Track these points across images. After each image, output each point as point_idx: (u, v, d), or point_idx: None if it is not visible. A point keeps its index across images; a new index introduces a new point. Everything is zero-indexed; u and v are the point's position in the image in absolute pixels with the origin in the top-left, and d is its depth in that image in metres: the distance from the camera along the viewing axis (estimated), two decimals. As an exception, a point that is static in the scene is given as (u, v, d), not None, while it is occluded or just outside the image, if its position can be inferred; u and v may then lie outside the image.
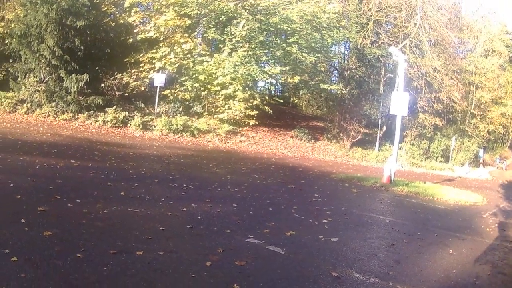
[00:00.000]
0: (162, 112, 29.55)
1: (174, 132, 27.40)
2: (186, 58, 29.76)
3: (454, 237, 11.52)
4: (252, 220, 10.42)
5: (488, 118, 53.98)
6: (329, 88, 35.46)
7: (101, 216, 8.84)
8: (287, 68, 31.07)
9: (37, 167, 13.18)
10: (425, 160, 40.51)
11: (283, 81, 34.58)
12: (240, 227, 9.51)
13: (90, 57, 28.48)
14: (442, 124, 43.30)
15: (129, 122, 27.37)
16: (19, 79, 27.57)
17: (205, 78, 29.53)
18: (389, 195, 17.88)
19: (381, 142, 38.99)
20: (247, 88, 30.29)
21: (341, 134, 34.99)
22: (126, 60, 30.15)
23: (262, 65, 31.40)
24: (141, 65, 29.92)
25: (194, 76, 29.73)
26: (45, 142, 18.83)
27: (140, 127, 27.04)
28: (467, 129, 50.44)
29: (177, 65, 29.60)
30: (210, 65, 29.61)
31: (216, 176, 16.42)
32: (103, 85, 30.01)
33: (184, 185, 13.52)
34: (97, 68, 29.31)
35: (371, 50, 36.78)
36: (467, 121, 51.32)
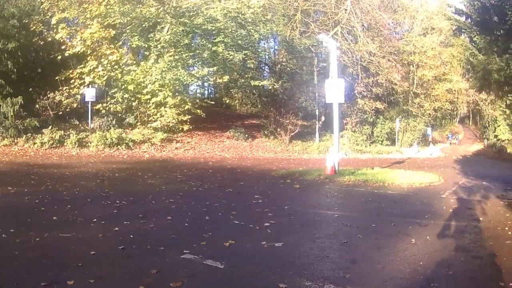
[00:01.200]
0: (97, 127, 31.63)
1: (110, 146, 29.48)
2: (114, 70, 31.91)
3: (414, 224, 11.50)
4: (187, 233, 10.43)
5: (432, 96, 56.98)
6: (260, 84, 37.82)
7: (34, 245, 8.89)
8: (215, 68, 33.34)
9: (-31, 199, 14.07)
10: (369, 145, 43.09)
11: (213, 82, 37.00)
12: (175, 242, 9.45)
13: (23, 78, 30.46)
14: (384, 107, 46.02)
15: (65, 141, 29.12)
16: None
17: (134, 87, 31.75)
18: (335, 187, 18.45)
19: (321, 132, 41.48)
20: (177, 94, 32.55)
21: (279, 129, 37.28)
22: (57, 78, 31.98)
23: (190, 68, 33.80)
24: (71, 81, 31.86)
25: (123, 87, 31.94)
26: (-17, 171, 19.34)
27: (76, 145, 28.99)
28: (411, 109, 53.64)
29: (105, 77, 31.80)
30: (137, 74, 31.68)
31: (151, 188, 17.11)
32: (37, 106, 31.83)
33: (117, 201, 13.76)
34: (30, 89, 31.13)
35: (301, 41, 38.92)
36: (410, 101, 54.45)
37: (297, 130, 37.88)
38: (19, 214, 11.75)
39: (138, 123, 33.24)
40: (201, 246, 9.11)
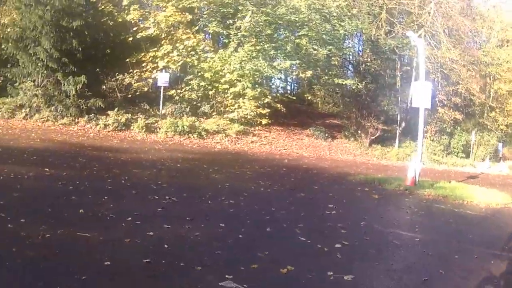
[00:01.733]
0: (168, 114, 26.83)
1: (180, 134, 24.68)
2: (190, 56, 26.95)
3: (496, 259, 8.94)
4: (239, 248, 7.76)
5: (506, 110, 50.58)
6: (344, 83, 32.28)
7: (39, 243, 6.70)
8: (298, 62, 28.12)
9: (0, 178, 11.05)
10: (446, 156, 37.05)
11: (296, 76, 31.29)
12: (218, 261, 6.83)
13: (89, 58, 25.78)
14: (462, 118, 39.83)
15: (132, 125, 24.70)
16: (17, 84, 24.78)
17: (211, 76, 26.80)
18: (415, 201, 15.21)
19: (400, 138, 35.53)
20: (257, 86, 27.48)
21: (359, 132, 32.02)
22: (127, 60, 27.36)
23: (272, 60, 28.32)
24: (143, 64, 27.15)
25: (199, 74, 27.02)
26: (29, 149, 16.52)
27: (143, 130, 24.43)
28: (486, 122, 46.75)
29: (180, 63, 26.83)
30: (215, 61, 26.81)
31: (212, 184, 13.84)
32: (104, 87, 27.32)
33: (167, 197, 10.95)
34: (97, 69, 26.68)
35: (386, 41, 33.41)
36: (486, 114, 47.58)
37: (377, 134, 32.40)
38: (42, 201, 9.36)
39: (214, 113, 28.07)
40: (251, 270, 6.55)
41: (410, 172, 17.42)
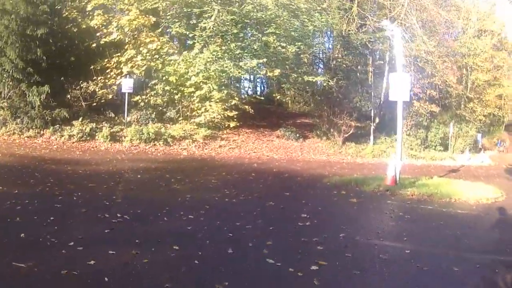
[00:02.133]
0: (134, 121, 25.84)
1: (146, 142, 23.69)
2: (154, 60, 25.88)
3: (500, 265, 8.00)
4: (191, 279, 6.56)
5: (483, 101, 50.12)
6: (314, 80, 31.03)
7: None
8: (265, 60, 27.00)
9: None
10: (423, 150, 36.09)
11: (263, 75, 30.30)
12: None
13: (54, 67, 24.93)
14: (438, 111, 39.00)
15: (97, 134, 23.66)
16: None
17: (176, 79, 25.74)
18: (398, 202, 14.04)
19: (375, 135, 34.42)
20: (223, 87, 26.54)
21: (332, 130, 30.88)
22: (92, 67, 26.28)
23: (237, 60, 27.09)
24: (107, 71, 26.07)
25: (164, 78, 26.00)
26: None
27: (108, 139, 23.47)
28: (464, 113, 46.11)
29: (144, 67, 25.80)
30: (178, 63, 25.73)
31: (172, 197, 12.73)
32: (69, 96, 26.33)
33: (119, 215, 9.84)
34: (62, 78, 25.60)
35: (357, 36, 32.47)
36: (463, 105, 47.11)
37: (351, 131, 31.26)
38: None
39: (180, 118, 27.00)
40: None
41: (390, 170, 16.51)
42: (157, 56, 25.95)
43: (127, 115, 25.62)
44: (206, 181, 15.90)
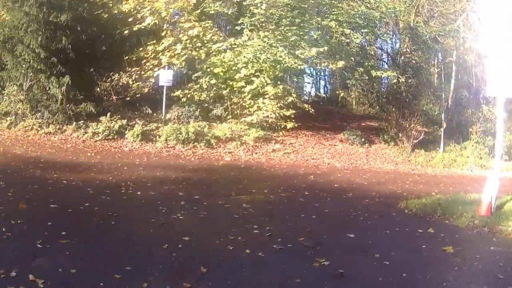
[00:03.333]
0: (174, 118, 19.59)
1: (184, 143, 17.45)
2: (196, 48, 19.54)
3: None
4: None
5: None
6: (382, 76, 23.79)
7: None
8: (325, 49, 19.76)
9: None
10: (491, 160, 28.51)
11: (323, 68, 22.97)
12: None
13: (83, 57, 19.19)
14: (507, 116, 31.18)
15: (126, 132, 17.69)
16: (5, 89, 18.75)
17: (223, 71, 19.40)
18: (504, 249, 7.61)
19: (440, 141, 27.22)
20: (279, 82, 19.90)
21: (400, 135, 23.82)
22: (126, 57, 20.39)
23: (293, 48, 19.61)
24: (143, 61, 20.09)
25: (209, 70, 19.59)
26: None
27: (139, 138, 17.36)
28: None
29: (184, 57, 19.43)
30: (225, 51, 19.34)
31: (158, 241, 6.88)
32: (98, 89, 20.48)
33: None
34: (91, 70, 19.92)
35: (427, 28, 24.89)
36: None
37: (421, 137, 23.93)
38: None
39: (229, 117, 20.29)
40: None
41: (486, 196, 9.94)
42: (199, 44, 19.54)
43: (165, 112, 19.30)
44: (233, 206, 9.65)
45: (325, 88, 35.47)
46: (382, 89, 30.66)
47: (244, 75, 19.11)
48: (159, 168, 13.54)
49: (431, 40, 24.77)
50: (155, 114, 20.03)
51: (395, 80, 23.67)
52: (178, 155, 16.42)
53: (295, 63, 18.73)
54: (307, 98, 27.03)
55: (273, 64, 19.01)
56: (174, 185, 11.28)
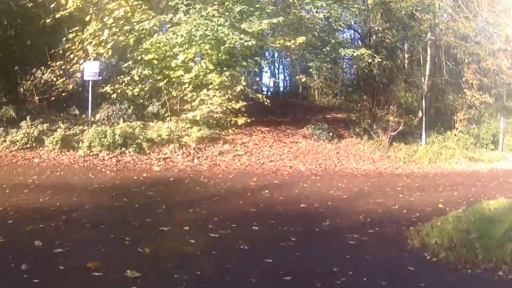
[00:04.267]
0: (104, 119, 14.92)
1: (109, 149, 12.73)
2: (125, 33, 14.49)
3: None
4: None
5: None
6: (354, 54, 17.74)
7: None
8: (280, 20, 14.26)
9: None
10: (477, 149, 24.19)
11: (278, 46, 17.63)
12: None
13: (11, 55, 15.49)
14: (492, 102, 26.83)
15: (46, 139, 12.92)
16: None
17: (156, 58, 14.55)
18: None
19: (421, 132, 21.53)
20: (225, 68, 14.90)
21: (375, 126, 19.04)
22: (53, 51, 15.44)
23: (238, 21, 14.56)
24: (67, 53, 15.02)
25: (140, 57, 14.61)
26: None
27: (58, 146, 12.63)
28: (515, 105, 33.36)
29: (110, 44, 14.38)
30: (157, 33, 14.49)
31: None
32: (21, 89, 15.43)
33: None
34: (16, 68, 15.45)
35: (401, 3, 19.97)
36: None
37: (400, 128, 19.08)
38: None
39: (167, 114, 15.21)
40: None
41: None
42: (127, 28, 14.47)
43: (91, 112, 14.46)
44: (108, 273, 4.83)
45: (284, 80, 30.32)
46: (348, 76, 26.04)
47: (182, 62, 14.28)
48: (53, 189, 8.82)
49: (407, 16, 20.07)
50: (84, 115, 15.21)
51: (365, 64, 19.00)
52: (96, 166, 11.69)
53: (240, 39, 13.67)
54: (264, 90, 22.51)
55: (215, 44, 14.16)
56: (43, 222, 6.61)
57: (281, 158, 14.28)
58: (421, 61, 22.45)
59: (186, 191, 9.72)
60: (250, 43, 13.42)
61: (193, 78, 14.21)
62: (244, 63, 15.49)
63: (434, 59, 22.21)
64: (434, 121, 21.51)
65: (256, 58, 15.86)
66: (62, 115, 15.33)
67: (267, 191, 9.92)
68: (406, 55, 24.68)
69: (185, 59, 14.11)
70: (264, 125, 16.84)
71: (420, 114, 22.01)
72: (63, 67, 15.24)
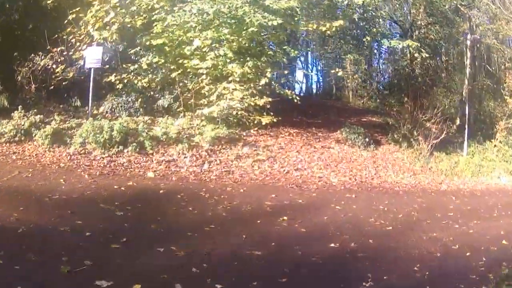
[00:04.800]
0: (107, 112, 12.26)
1: (105, 147, 9.96)
2: (130, 14, 11.74)
3: None
4: None
5: None
6: (399, 46, 14.81)
7: None
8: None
9: None
10: None
11: (311, 29, 14.20)
12: None
13: (14, 40, 13.14)
14: None
15: (37, 132, 10.31)
16: None
17: (167, 44, 11.67)
18: None
19: (461, 141, 17.61)
20: (248, 57, 11.79)
21: (415, 133, 15.72)
22: (55, 36, 12.66)
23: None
24: (70, 38, 12.45)
25: (148, 43, 11.70)
26: None
27: (48, 140, 9.99)
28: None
29: (115, 26, 11.68)
30: (168, 14, 11.11)
31: None
32: (19, 77, 12.78)
33: None
34: (15, 54, 12.90)
35: None
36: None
37: (442, 136, 15.83)
38: None
39: (180, 108, 12.35)
40: None
41: None
42: (134, 8, 11.67)
43: (92, 104, 11.78)
44: None
45: (317, 82, 26.67)
46: (383, 79, 22.74)
47: (198, 49, 11.42)
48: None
49: (451, 11, 16.78)
50: (87, 107, 12.63)
51: (406, 62, 15.80)
52: (79, 167, 8.93)
53: (263, 17, 10.56)
54: (296, 89, 19.59)
55: (235, 28, 11.27)
56: None
57: (310, 166, 11.31)
58: (463, 64, 19.15)
59: (172, 213, 6.78)
60: (275, 23, 10.40)
61: (211, 68, 11.37)
62: (271, 52, 12.51)
63: (474, 62, 18.89)
64: (473, 129, 18.33)
65: (285, 47, 12.79)
66: (62, 106, 12.73)
67: (285, 218, 6.96)
68: (444, 58, 21.42)
69: (201, 45, 11.30)
70: (292, 126, 13.73)
71: (458, 121, 18.71)
72: (64, 53, 12.64)
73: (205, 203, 7.41)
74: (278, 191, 8.89)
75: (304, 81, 25.19)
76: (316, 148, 12.69)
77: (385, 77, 22.20)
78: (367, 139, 14.40)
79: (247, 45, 11.87)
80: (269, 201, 7.95)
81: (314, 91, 25.05)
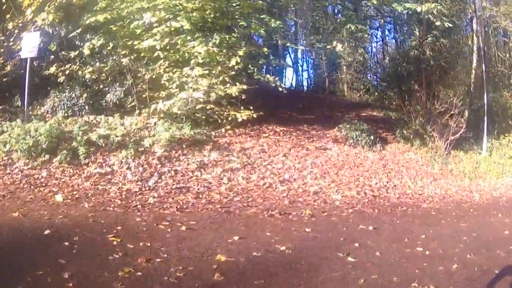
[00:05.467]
0: (47, 111, 9.11)
1: (30, 156, 6.91)
2: None
3: None
4: None
5: None
6: (418, 10, 10.39)
7: None
8: None
9: None
10: None
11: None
12: None
13: None
14: None
15: None
16: None
17: (111, 19, 8.29)
18: None
19: (472, 136, 14.43)
20: (215, 33, 8.41)
21: (429, 129, 12.38)
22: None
23: None
24: (8, 25, 9.24)
25: (89, 22, 8.36)
26: None
27: None
28: None
29: (52, 5, 8.35)
30: None
31: None
32: None
33: None
34: None
35: None
36: None
37: (461, 131, 12.51)
38: None
39: (133, 104, 9.12)
40: None
41: None
42: None
43: (27, 101, 8.62)
44: None
45: (308, 78, 23.11)
46: (380, 70, 19.10)
47: (152, 26, 8.29)
48: None
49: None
50: (31, 106, 9.65)
51: (416, 41, 12.40)
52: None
53: None
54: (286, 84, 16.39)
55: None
56: None
57: (301, 176, 8.10)
58: (470, 48, 15.61)
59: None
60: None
61: (168, 50, 8.23)
62: (243, 23, 9.15)
63: (483, 47, 15.29)
64: (480, 124, 14.96)
65: (262, 16, 9.42)
66: (1, 107, 9.83)
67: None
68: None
69: (154, 21, 8.15)
70: (278, 124, 10.35)
71: (466, 113, 15.23)
72: (5, 44, 9.63)
73: (98, 264, 3.95)
74: (249, 225, 5.55)
75: (294, 76, 21.94)
76: (309, 150, 9.38)
77: (382, 68, 18.44)
78: (372, 137, 11.09)
79: (212, 15, 8.61)
80: (225, 253, 4.43)
81: (305, 88, 21.64)
